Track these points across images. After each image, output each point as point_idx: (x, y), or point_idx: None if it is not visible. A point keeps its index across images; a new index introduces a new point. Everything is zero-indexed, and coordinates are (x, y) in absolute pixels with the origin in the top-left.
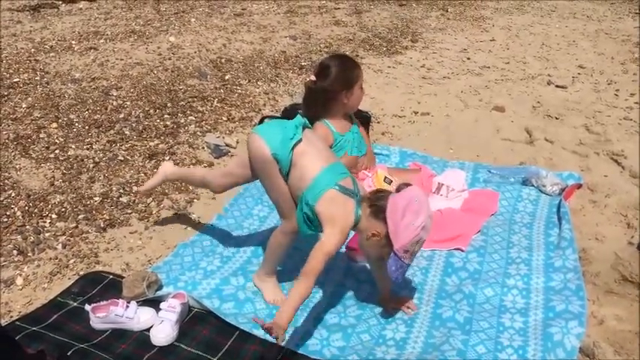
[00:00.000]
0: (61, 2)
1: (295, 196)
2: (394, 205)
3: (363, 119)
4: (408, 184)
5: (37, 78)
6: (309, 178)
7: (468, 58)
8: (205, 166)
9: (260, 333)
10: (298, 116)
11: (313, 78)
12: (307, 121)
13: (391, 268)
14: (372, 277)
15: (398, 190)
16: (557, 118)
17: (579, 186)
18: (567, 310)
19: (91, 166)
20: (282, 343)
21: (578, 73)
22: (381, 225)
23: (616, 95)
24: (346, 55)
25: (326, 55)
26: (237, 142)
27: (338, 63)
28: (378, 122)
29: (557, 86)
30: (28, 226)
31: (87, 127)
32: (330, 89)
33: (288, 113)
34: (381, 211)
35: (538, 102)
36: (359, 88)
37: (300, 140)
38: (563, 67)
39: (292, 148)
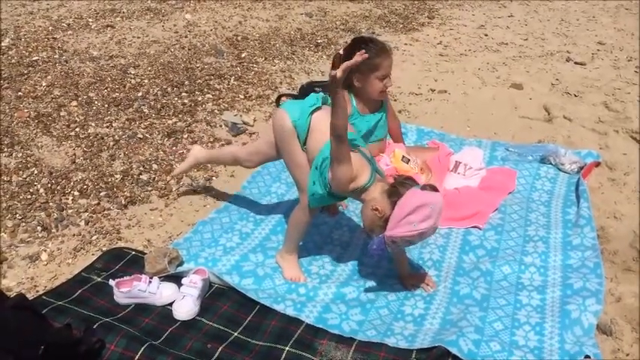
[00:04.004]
0: None
1: (312, 162)
2: (410, 198)
3: None
4: (435, 189)
5: (56, 56)
6: (327, 139)
7: (486, 35)
8: (223, 144)
9: (280, 308)
10: (321, 93)
11: (341, 52)
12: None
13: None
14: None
15: (424, 188)
16: (576, 96)
17: (598, 164)
18: (585, 288)
19: (111, 144)
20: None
21: (598, 50)
22: (388, 206)
23: (636, 72)
24: (381, 42)
25: (342, 32)
26: (255, 120)
27: (365, 44)
28: (395, 100)
29: (576, 63)
30: (51, 203)
31: (106, 106)
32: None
33: (305, 91)
34: (396, 195)
35: (557, 79)
36: (377, 79)
37: (319, 108)
38: (583, 44)
39: (311, 114)
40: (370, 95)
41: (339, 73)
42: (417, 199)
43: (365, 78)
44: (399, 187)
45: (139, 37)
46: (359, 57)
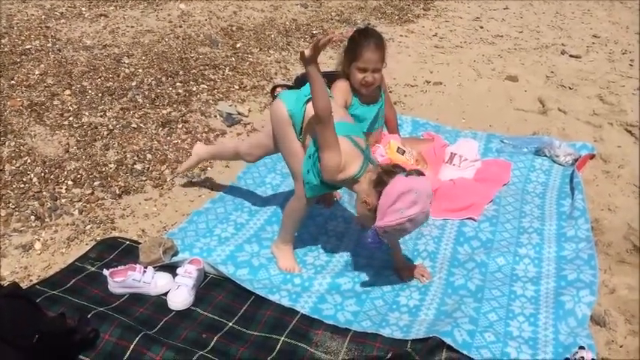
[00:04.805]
0: None
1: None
2: (393, 187)
3: None
4: (421, 173)
5: (49, 45)
6: None
7: (481, 27)
8: (218, 135)
9: (275, 298)
10: None
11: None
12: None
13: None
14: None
15: (409, 174)
16: (570, 88)
17: (592, 156)
18: (579, 279)
19: (105, 133)
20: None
21: (593, 43)
22: (375, 196)
23: (630, 65)
24: (376, 37)
25: (337, 23)
26: (250, 111)
27: (357, 32)
28: (391, 92)
29: (571, 56)
30: (44, 192)
31: (100, 95)
32: (343, 52)
33: (300, 82)
34: (381, 184)
35: (552, 72)
36: (356, 69)
37: None
38: (578, 37)
39: (306, 103)
40: (353, 85)
41: (307, 51)
42: (401, 186)
43: (348, 65)
44: (384, 175)
45: (132, 27)
46: (336, 36)
